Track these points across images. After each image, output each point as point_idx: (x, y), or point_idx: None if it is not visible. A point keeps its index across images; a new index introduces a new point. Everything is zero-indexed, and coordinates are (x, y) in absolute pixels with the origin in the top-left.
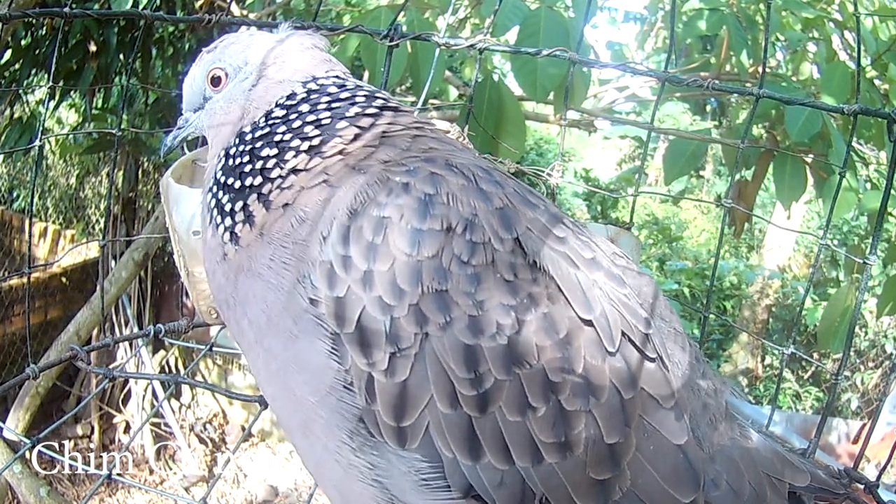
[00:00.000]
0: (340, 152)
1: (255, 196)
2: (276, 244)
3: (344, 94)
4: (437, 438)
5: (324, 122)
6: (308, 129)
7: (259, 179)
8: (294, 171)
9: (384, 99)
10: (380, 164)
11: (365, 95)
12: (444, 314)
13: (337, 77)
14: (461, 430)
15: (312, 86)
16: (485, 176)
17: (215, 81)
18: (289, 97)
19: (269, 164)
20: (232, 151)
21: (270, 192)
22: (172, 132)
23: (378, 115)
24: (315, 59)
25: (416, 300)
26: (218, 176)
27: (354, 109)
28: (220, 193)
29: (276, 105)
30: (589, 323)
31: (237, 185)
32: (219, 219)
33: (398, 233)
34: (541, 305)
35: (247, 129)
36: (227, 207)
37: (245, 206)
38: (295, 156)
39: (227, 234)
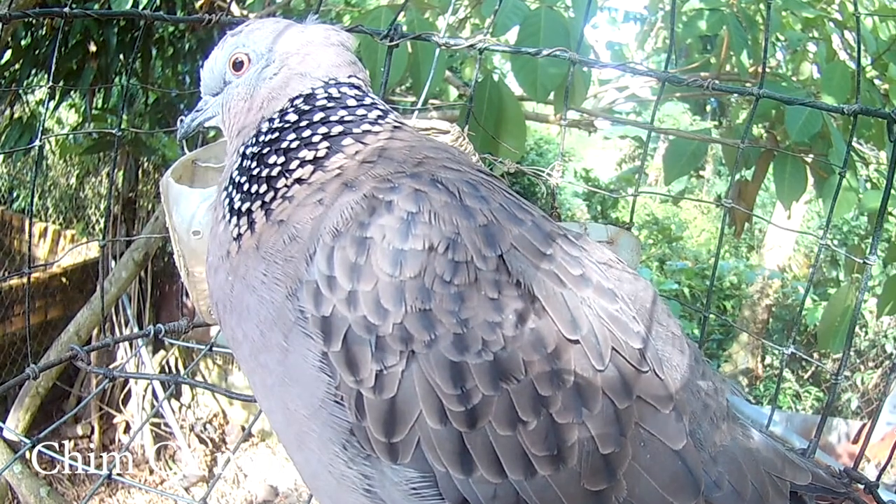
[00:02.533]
0: (340, 167)
1: (259, 203)
2: (270, 260)
3: (360, 111)
4: (429, 453)
5: (333, 134)
6: (317, 139)
7: (264, 187)
8: (298, 181)
9: (394, 118)
10: (371, 181)
11: (378, 115)
12: (428, 332)
13: (358, 90)
14: (452, 445)
15: (334, 92)
16: (470, 191)
17: (237, 66)
18: (307, 98)
19: (275, 171)
20: (248, 152)
21: (273, 200)
22: (190, 114)
23: (381, 132)
24: (339, 59)
25: (400, 319)
26: (234, 175)
27: (363, 127)
28: (234, 193)
29: (293, 105)
30: (576, 342)
31: (245, 187)
32: (228, 216)
33: (380, 253)
34: (527, 321)
35: (263, 128)
36: (237, 206)
37: (250, 212)
38: (300, 166)
39: (235, 231)
